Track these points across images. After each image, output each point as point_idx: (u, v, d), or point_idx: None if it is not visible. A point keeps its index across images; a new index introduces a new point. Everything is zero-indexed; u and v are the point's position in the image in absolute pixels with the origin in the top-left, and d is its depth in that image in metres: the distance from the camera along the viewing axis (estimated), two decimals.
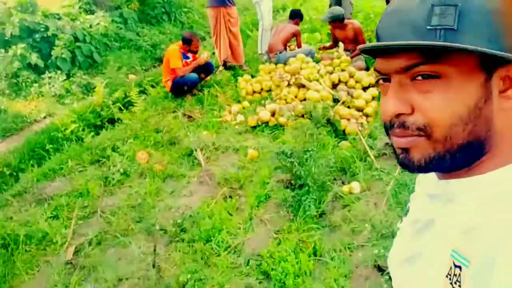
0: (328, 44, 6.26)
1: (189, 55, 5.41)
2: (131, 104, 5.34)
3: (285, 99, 4.76)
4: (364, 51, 0.61)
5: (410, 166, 0.61)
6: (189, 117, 5.01)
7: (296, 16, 6.15)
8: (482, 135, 0.57)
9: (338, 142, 4.00)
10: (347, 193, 3.25)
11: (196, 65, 5.35)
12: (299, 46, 6.10)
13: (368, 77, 4.91)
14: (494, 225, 0.53)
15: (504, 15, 0.55)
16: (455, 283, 0.56)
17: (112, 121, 5.22)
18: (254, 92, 5.37)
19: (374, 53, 0.63)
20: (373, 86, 4.88)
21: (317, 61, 5.47)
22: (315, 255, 2.72)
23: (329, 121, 4.24)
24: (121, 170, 3.96)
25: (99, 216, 3.41)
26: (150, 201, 3.50)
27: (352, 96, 4.65)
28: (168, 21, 8.99)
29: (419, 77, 0.57)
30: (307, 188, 3.14)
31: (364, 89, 4.90)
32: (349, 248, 2.74)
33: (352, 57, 5.52)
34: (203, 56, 5.42)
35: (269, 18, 6.57)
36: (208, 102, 5.26)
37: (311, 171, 3.19)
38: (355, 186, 3.28)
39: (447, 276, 0.58)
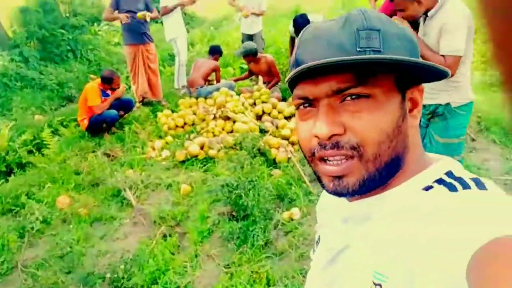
0: (242, 76, 6.48)
1: (109, 92, 5.17)
2: (43, 146, 4.92)
3: (213, 132, 4.73)
4: (292, 80, 0.63)
5: (344, 193, 0.61)
6: (110, 156, 4.74)
7: (216, 52, 6.25)
8: (401, 151, 0.61)
9: (271, 171, 4.05)
10: (288, 220, 3.27)
11: (113, 99, 5.13)
12: (218, 81, 6.18)
13: (289, 108, 5.11)
14: (404, 239, 0.55)
15: (411, 42, 0.62)
16: None
17: (22, 165, 4.74)
18: (176, 126, 5.28)
19: (301, 78, 0.62)
20: (294, 115, 5.08)
21: (238, 94, 5.57)
22: (268, 285, 2.67)
23: (259, 151, 4.30)
24: (41, 218, 3.57)
25: (20, 271, 3.02)
26: (79, 249, 3.19)
27: (277, 127, 4.79)
28: (74, 59, 8.56)
29: (349, 98, 0.60)
30: (253, 218, 3.11)
31: (286, 118, 5.09)
32: (300, 273, 2.73)
33: (269, 89, 5.72)
34: (120, 89, 5.22)
35: (185, 53, 6.59)
36: (130, 139, 5.03)
37: (256, 201, 3.18)
38: (296, 212, 3.33)
39: None
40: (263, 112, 5.08)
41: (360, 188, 0.60)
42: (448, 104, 2.56)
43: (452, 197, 0.55)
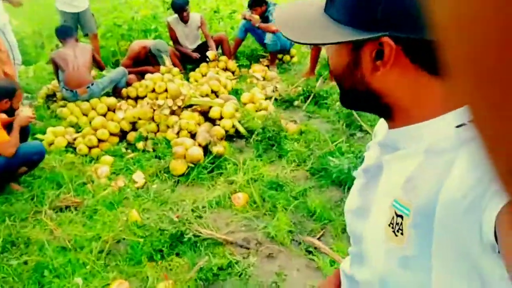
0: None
1: None
2: None
3: (187, 129, 3.73)
4: None
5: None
6: (71, 207, 3.11)
7: (71, 32, 4.59)
8: (363, 90, 0.64)
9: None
10: None
11: (19, 127, 3.27)
12: (101, 66, 4.76)
13: (231, 82, 4.61)
14: (430, 175, 0.56)
15: None
16: (397, 231, 0.59)
17: None
18: (100, 141, 3.90)
19: None
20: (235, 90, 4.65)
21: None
22: None
23: (263, 131, 3.77)
24: None
25: None
26: None
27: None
28: None
29: None
30: None
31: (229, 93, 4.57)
32: None
33: None
34: (27, 112, 3.35)
35: (17, 47, 4.68)
36: (66, 178, 3.37)
37: None
38: None
39: (389, 225, 0.61)
40: (212, 91, 4.34)
41: (343, 100, 0.72)
42: None
43: None
